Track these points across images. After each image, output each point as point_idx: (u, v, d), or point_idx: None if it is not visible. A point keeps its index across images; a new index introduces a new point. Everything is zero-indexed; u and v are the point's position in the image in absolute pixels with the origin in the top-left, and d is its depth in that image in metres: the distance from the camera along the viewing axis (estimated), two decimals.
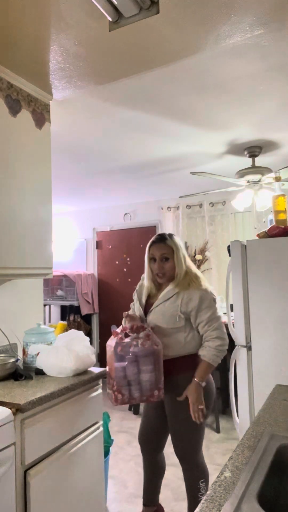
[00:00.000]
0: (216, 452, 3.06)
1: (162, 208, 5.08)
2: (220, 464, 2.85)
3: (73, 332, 2.02)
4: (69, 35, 1.64)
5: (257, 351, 2.53)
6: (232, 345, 2.65)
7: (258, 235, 2.68)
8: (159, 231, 5.02)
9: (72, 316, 5.20)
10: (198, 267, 4.58)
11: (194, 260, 4.61)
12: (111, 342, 1.93)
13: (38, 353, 1.90)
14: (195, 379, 1.85)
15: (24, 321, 2.26)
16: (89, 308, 5.26)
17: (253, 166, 3.31)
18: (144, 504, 2.15)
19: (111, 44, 1.71)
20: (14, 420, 1.47)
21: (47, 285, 5.14)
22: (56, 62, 1.86)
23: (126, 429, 3.54)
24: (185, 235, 4.85)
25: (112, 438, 2.63)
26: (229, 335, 2.61)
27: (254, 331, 2.55)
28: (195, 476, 1.93)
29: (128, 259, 5.35)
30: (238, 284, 2.60)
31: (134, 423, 3.61)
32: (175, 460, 2.00)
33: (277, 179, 3.28)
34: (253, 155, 3.29)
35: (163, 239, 2.00)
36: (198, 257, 4.61)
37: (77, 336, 1.98)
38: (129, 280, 5.28)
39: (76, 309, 5.20)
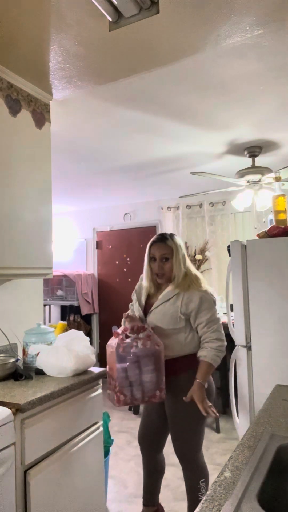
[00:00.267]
0: (216, 452, 3.06)
1: (162, 208, 5.08)
2: (220, 464, 2.85)
3: (73, 332, 2.02)
4: (69, 35, 1.64)
5: (257, 351, 2.53)
6: (232, 345, 2.65)
7: (258, 235, 2.68)
8: (159, 231, 5.02)
9: (72, 316, 5.20)
10: (198, 267, 4.59)
11: (194, 260, 4.61)
12: (112, 343, 1.93)
13: (38, 353, 1.90)
14: (197, 380, 1.85)
15: (24, 321, 2.26)
16: (89, 308, 5.26)
17: (253, 166, 3.31)
18: (144, 504, 2.15)
19: (111, 44, 1.71)
20: (14, 420, 1.47)
21: (47, 285, 5.14)
22: (56, 62, 1.86)
23: (126, 429, 3.54)
24: (185, 235, 4.85)
25: (112, 438, 2.63)
26: (229, 335, 2.62)
27: (254, 331, 2.55)
28: (195, 476, 1.93)
29: (128, 259, 5.35)
30: (238, 284, 2.60)
31: (134, 423, 3.61)
32: (175, 460, 2.00)
33: (277, 179, 3.28)
34: (253, 155, 3.29)
35: (164, 239, 2.00)
36: (198, 257, 4.61)
37: (77, 336, 1.98)
38: (129, 280, 5.28)
39: (76, 309, 5.20)
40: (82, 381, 1.80)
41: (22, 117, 2.01)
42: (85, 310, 5.16)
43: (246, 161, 3.40)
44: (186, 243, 4.73)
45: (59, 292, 5.21)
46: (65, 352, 1.84)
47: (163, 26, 1.58)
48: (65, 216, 5.83)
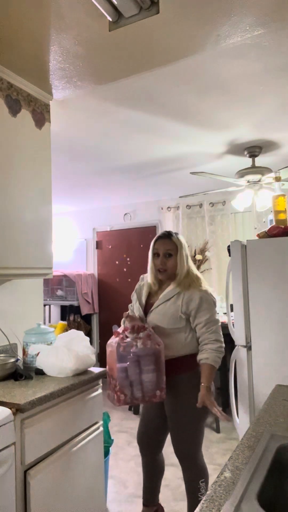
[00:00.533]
0: (216, 452, 3.06)
1: (162, 208, 5.08)
2: (220, 464, 2.85)
3: (73, 332, 2.02)
4: (69, 35, 1.64)
5: (257, 351, 2.53)
6: (232, 345, 2.65)
7: (258, 235, 2.67)
8: (159, 231, 5.02)
9: (72, 316, 5.20)
10: (198, 267, 4.58)
11: (194, 260, 4.61)
12: (112, 342, 1.93)
13: (38, 353, 1.90)
14: (203, 383, 1.84)
15: (24, 321, 2.26)
16: (89, 308, 5.26)
17: (253, 166, 3.31)
18: (144, 504, 2.15)
19: (111, 44, 1.70)
20: (14, 420, 1.47)
21: (47, 285, 5.14)
22: (56, 62, 1.86)
23: (126, 429, 3.54)
24: (185, 235, 4.85)
25: (112, 438, 2.63)
26: (229, 335, 2.62)
27: (254, 331, 2.55)
28: (195, 476, 1.93)
29: (128, 259, 5.35)
30: (238, 284, 2.60)
31: (134, 423, 3.61)
32: (175, 460, 2.00)
33: (277, 179, 3.28)
34: (253, 155, 3.29)
35: (169, 235, 2.03)
36: (198, 257, 4.61)
37: (77, 336, 1.98)
38: (129, 280, 5.28)
39: (76, 309, 5.20)
40: (82, 381, 1.80)
41: (22, 117, 2.01)
42: (85, 310, 5.16)
43: (246, 161, 3.40)
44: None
45: (59, 292, 5.21)
46: (65, 352, 1.84)
47: (163, 26, 1.58)
48: (65, 216, 5.83)
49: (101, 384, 1.99)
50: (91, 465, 1.89)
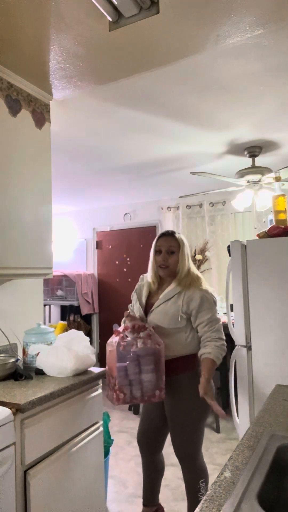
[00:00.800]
0: (216, 452, 3.06)
1: (162, 208, 5.08)
2: (220, 464, 2.85)
3: (73, 332, 2.02)
4: (69, 35, 1.64)
5: (257, 351, 2.53)
6: (232, 345, 2.65)
7: (258, 235, 2.68)
8: (159, 231, 5.02)
9: (72, 316, 5.20)
10: (198, 267, 4.58)
11: (194, 260, 4.60)
12: (112, 341, 1.93)
13: (38, 353, 1.90)
14: (204, 375, 1.82)
15: (24, 321, 2.26)
16: (89, 308, 5.26)
17: (253, 166, 3.31)
18: (144, 504, 2.15)
19: (111, 44, 1.70)
20: (14, 420, 1.47)
21: (47, 285, 5.14)
22: (56, 62, 1.86)
23: (126, 429, 3.54)
24: (185, 235, 4.83)
25: (112, 438, 2.63)
26: (229, 335, 2.62)
27: (254, 331, 2.55)
28: (195, 476, 1.93)
29: (128, 259, 5.35)
30: (238, 284, 2.60)
31: (134, 423, 3.61)
32: (175, 460, 2.00)
33: (277, 179, 3.28)
34: (253, 155, 3.29)
35: (172, 233, 2.05)
36: (198, 257, 4.61)
37: (77, 336, 1.98)
38: (129, 280, 5.28)
39: (76, 309, 5.20)
40: (82, 381, 1.80)
41: (22, 117, 2.01)
42: (85, 310, 5.16)
43: (246, 161, 3.40)
44: None
45: (59, 292, 5.21)
46: (65, 352, 1.84)
47: (163, 26, 1.58)
48: (65, 216, 5.83)
49: (101, 384, 1.99)
50: (91, 465, 1.89)
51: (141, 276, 2.18)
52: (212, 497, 0.83)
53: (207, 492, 0.85)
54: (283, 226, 2.59)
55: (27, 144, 2.03)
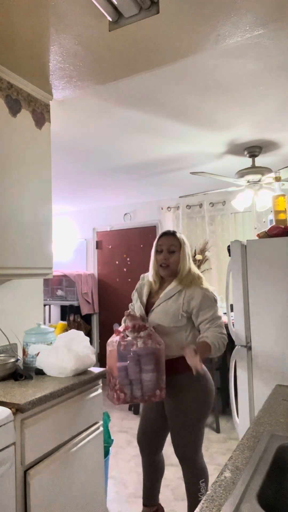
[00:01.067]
0: (216, 452, 3.06)
1: (162, 208, 5.08)
2: (220, 464, 2.85)
3: (73, 332, 2.02)
4: (69, 35, 1.64)
5: (257, 351, 2.53)
6: (232, 345, 2.65)
7: (258, 235, 2.68)
8: (159, 231, 5.02)
9: (72, 316, 5.20)
10: (198, 267, 4.58)
11: (194, 260, 4.60)
12: (112, 341, 1.93)
13: (38, 353, 1.90)
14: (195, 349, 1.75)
15: (24, 321, 2.26)
16: (89, 308, 5.26)
17: (253, 166, 3.31)
18: (144, 504, 2.15)
19: (111, 44, 1.70)
20: (14, 420, 1.47)
21: (47, 285, 5.14)
22: (56, 62, 1.86)
23: (126, 429, 3.54)
24: (185, 235, 4.81)
25: (112, 438, 2.63)
26: (229, 335, 2.61)
27: (254, 331, 2.55)
28: (195, 476, 1.93)
29: (128, 259, 5.35)
30: (238, 284, 2.60)
31: (134, 423, 3.61)
32: (175, 460, 2.00)
33: (277, 179, 3.28)
34: (253, 155, 3.29)
35: (173, 233, 2.06)
36: (198, 257, 4.61)
37: (77, 336, 1.98)
38: (129, 280, 5.28)
39: (76, 309, 5.20)
40: (82, 381, 1.80)
41: (22, 117, 2.01)
42: (85, 310, 5.16)
43: (246, 161, 3.40)
44: None
45: (59, 292, 5.21)
46: (65, 352, 1.84)
47: (163, 26, 1.58)
48: (65, 216, 5.83)
49: (101, 384, 1.99)
50: (91, 465, 1.89)
51: (142, 275, 2.18)
52: (212, 497, 0.83)
53: (207, 492, 0.85)
54: (283, 226, 2.59)
55: (27, 144, 2.03)
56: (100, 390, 1.98)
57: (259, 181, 3.35)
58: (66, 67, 1.90)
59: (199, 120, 2.68)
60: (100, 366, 2.40)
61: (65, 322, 5.12)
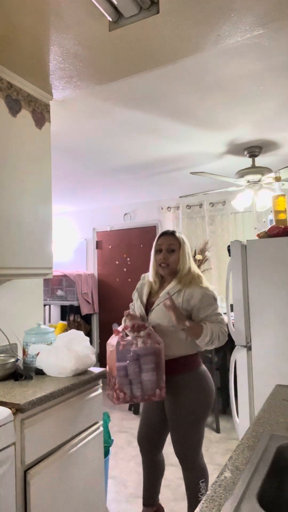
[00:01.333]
0: (216, 452, 3.06)
1: (162, 208, 5.08)
2: (220, 464, 2.85)
3: (73, 332, 2.02)
4: (69, 35, 1.64)
5: (257, 351, 2.53)
6: (232, 345, 2.65)
7: (258, 235, 2.68)
8: (159, 231, 5.02)
9: (72, 316, 5.20)
10: (198, 267, 4.58)
11: (194, 260, 4.60)
12: (112, 341, 1.93)
13: (38, 353, 1.90)
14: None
15: (24, 321, 2.26)
16: (89, 308, 5.26)
17: (253, 166, 3.31)
18: (144, 504, 2.15)
19: (111, 44, 1.70)
20: (14, 420, 1.47)
21: (47, 285, 5.13)
22: (56, 62, 1.86)
23: (126, 429, 3.54)
24: (185, 235, 4.82)
25: (112, 438, 2.63)
26: (229, 335, 2.62)
27: (254, 331, 2.55)
28: (195, 476, 1.93)
29: (128, 259, 5.35)
30: (238, 284, 2.60)
31: (134, 423, 3.61)
32: (175, 460, 2.00)
33: (277, 179, 3.28)
34: (253, 155, 3.29)
35: (173, 233, 2.06)
36: (198, 257, 4.61)
37: (77, 336, 1.98)
38: (129, 280, 5.27)
39: (76, 309, 5.20)
40: (82, 381, 1.80)
41: (22, 117, 2.01)
42: (85, 310, 5.16)
43: (246, 161, 3.40)
44: None
45: (59, 292, 5.21)
46: (65, 352, 1.84)
47: (163, 26, 1.58)
48: (65, 216, 5.83)
49: (101, 384, 1.99)
50: (91, 465, 1.89)
51: (143, 275, 2.19)
52: (212, 497, 0.83)
53: (207, 492, 0.85)
54: (283, 226, 2.59)
55: (27, 144, 2.03)
56: (100, 390, 1.98)
57: (259, 181, 3.35)
58: (66, 67, 1.90)
59: (199, 120, 2.68)
60: (100, 366, 2.40)
61: (65, 322, 5.12)
